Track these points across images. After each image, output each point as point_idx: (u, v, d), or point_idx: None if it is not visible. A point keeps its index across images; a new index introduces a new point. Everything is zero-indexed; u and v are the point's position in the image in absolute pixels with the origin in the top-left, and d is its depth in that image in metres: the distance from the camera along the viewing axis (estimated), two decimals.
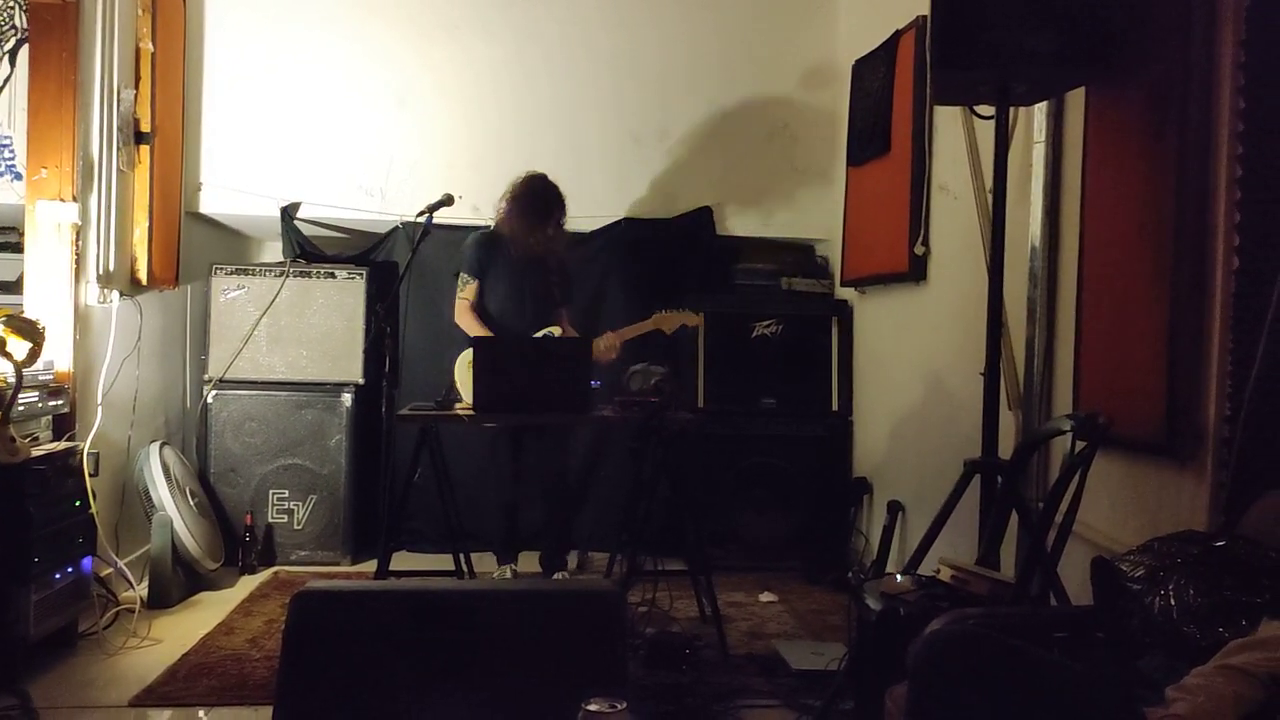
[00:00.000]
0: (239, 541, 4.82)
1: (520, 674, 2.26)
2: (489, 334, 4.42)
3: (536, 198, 4.43)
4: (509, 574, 4.70)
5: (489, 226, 4.63)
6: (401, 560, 4.61)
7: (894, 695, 2.08)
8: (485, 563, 4.71)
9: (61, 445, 3.63)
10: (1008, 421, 3.43)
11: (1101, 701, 1.69)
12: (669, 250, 5.37)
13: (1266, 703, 1.66)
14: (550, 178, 4.51)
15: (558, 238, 4.53)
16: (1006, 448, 3.20)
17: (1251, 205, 2.49)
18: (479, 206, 5.12)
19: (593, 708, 1.46)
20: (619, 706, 1.45)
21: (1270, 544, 2.03)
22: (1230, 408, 2.49)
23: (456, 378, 4.45)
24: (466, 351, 4.48)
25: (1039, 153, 3.39)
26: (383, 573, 3.89)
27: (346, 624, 2.33)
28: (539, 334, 4.48)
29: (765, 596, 4.56)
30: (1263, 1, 2.43)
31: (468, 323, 4.50)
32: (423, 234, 4.10)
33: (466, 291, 4.53)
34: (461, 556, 4.14)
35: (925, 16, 4.21)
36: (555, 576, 4.69)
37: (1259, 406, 2.37)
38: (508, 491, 4.63)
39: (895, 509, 4.62)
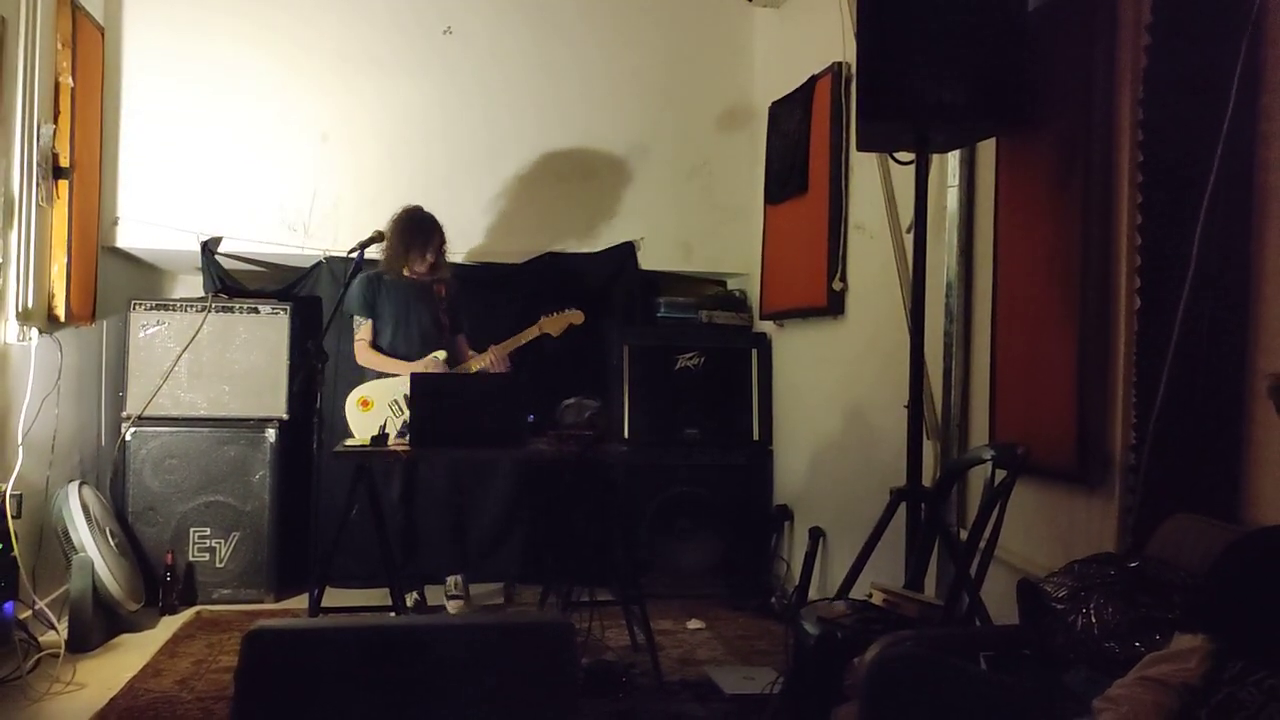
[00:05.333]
0: (159, 581, 4.72)
1: (475, 708, 2.31)
2: (396, 363, 4.54)
3: (414, 225, 4.55)
4: (410, 603, 4.67)
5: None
6: (327, 596, 4.57)
7: (841, 715, 2.19)
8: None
9: None
10: (926, 451, 3.60)
11: (1038, 713, 1.83)
12: (593, 283, 5.47)
13: (1182, 710, 1.82)
14: (426, 208, 4.62)
15: (441, 264, 4.66)
16: (925, 476, 3.37)
17: (1151, 248, 2.69)
18: (381, 241, 5.14)
19: None
20: None
21: (1178, 563, 2.21)
22: (1136, 437, 2.69)
23: (348, 417, 4.51)
24: (356, 390, 4.59)
25: (953, 196, 3.60)
26: (315, 609, 3.89)
27: (301, 663, 2.35)
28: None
29: (693, 624, 4.66)
30: (1157, 64, 2.65)
31: (372, 360, 4.61)
32: (354, 271, 4.13)
33: (362, 331, 4.65)
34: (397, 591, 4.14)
35: (841, 63, 4.43)
36: (447, 596, 4.75)
37: (1162, 435, 2.56)
38: (399, 516, 4.70)
39: (816, 535, 4.77)
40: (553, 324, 4.53)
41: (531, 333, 4.54)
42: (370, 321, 4.64)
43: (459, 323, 4.80)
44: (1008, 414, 3.27)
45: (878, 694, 1.88)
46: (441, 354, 4.61)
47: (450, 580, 4.82)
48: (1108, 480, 2.83)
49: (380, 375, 4.60)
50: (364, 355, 4.63)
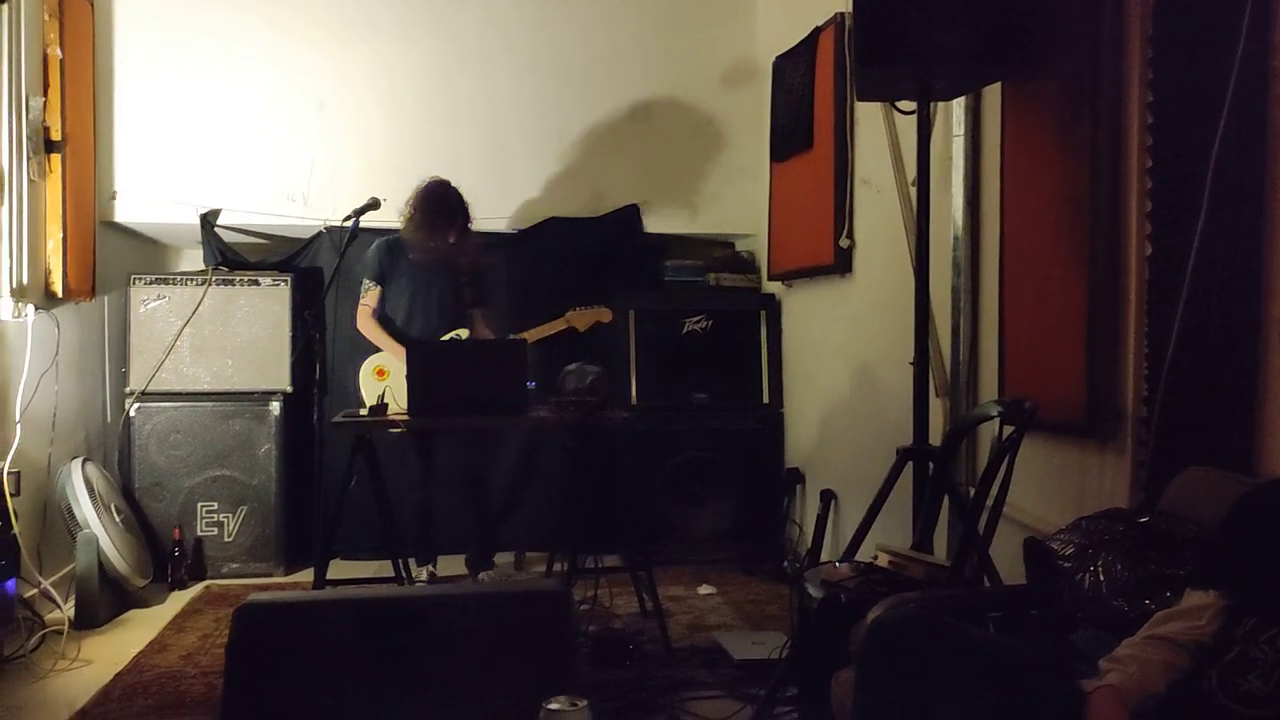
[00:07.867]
0: (167, 556, 4.71)
1: (472, 677, 2.27)
2: (390, 340, 4.44)
3: (436, 204, 4.37)
4: (425, 576, 4.66)
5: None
6: (336, 568, 4.56)
7: (840, 680, 2.13)
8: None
9: None
10: (935, 408, 3.51)
11: (1041, 676, 1.76)
12: (597, 249, 5.39)
13: (1193, 669, 1.75)
14: (452, 183, 4.45)
15: (463, 242, 4.48)
16: (935, 434, 3.29)
17: (1161, 193, 2.59)
18: (403, 209, 5.08)
19: (554, 706, 1.48)
20: (580, 704, 1.47)
21: (1190, 517, 2.13)
22: (1147, 389, 2.59)
23: (361, 385, 4.45)
24: (371, 358, 4.51)
25: (958, 145, 3.49)
26: (320, 582, 3.86)
27: (293, 636, 2.31)
28: (445, 337, 4.49)
29: (704, 589, 4.61)
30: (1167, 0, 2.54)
31: (369, 330, 4.52)
32: (350, 239, 4.07)
33: (368, 298, 4.54)
34: (400, 562, 4.11)
35: (844, 14, 4.30)
36: (480, 577, 4.68)
37: (1174, 387, 2.47)
38: (418, 491, 4.63)
39: (828, 498, 4.70)
40: (580, 319, 4.42)
41: (558, 325, 4.42)
42: (379, 288, 4.53)
43: (480, 297, 4.69)
44: (1017, 368, 3.18)
45: (874, 658, 1.82)
46: (464, 332, 4.53)
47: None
48: (1119, 434, 2.74)
49: None
50: (364, 321, 4.53)
